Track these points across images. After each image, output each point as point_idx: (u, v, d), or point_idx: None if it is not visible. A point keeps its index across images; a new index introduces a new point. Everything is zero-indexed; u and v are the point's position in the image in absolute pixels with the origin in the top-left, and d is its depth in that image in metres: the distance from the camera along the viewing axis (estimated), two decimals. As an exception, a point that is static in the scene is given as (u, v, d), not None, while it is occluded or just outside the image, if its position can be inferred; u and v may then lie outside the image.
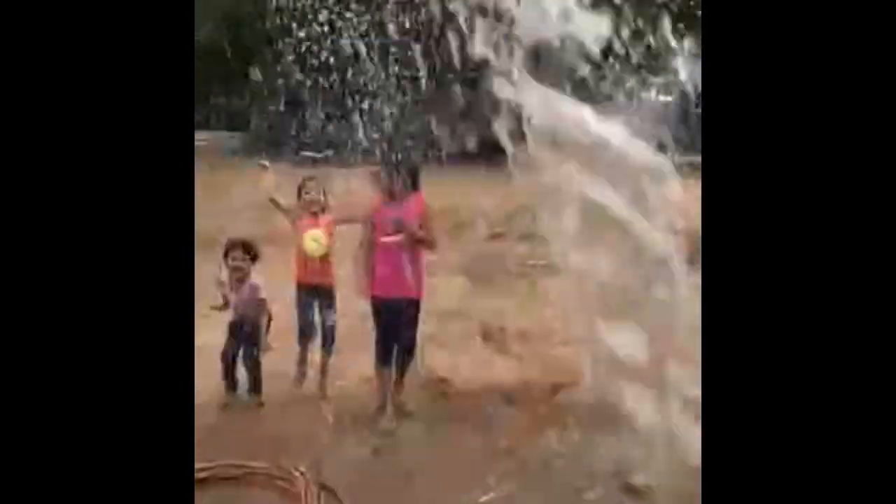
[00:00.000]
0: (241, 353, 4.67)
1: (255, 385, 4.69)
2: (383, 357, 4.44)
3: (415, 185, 4.41)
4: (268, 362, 4.73)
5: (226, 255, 4.62)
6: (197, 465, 3.80)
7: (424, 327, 4.71)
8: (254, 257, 4.64)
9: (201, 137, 17.20)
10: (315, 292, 4.72)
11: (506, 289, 7.28)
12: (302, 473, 3.70)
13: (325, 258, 4.68)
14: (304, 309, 4.74)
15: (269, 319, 4.73)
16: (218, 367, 4.66)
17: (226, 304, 4.68)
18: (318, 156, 15.32)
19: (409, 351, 4.49)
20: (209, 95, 18.65)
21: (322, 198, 4.75)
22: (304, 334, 4.79)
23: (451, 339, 5.75)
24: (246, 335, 4.66)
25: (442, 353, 5.37)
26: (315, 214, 4.70)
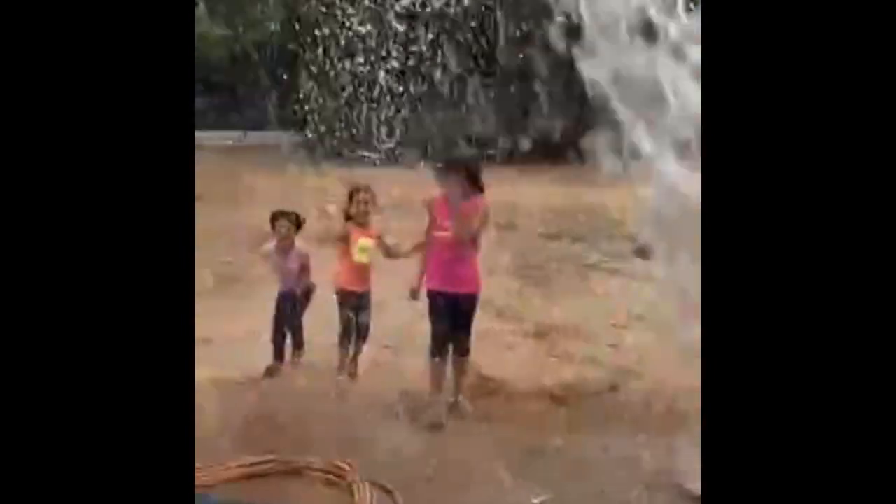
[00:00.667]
0: (287, 317, 5.03)
1: (298, 343, 5.08)
2: (435, 349, 4.48)
3: (478, 185, 4.43)
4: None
5: (273, 226, 4.94)
6: (250, 460, 3.93)
7: (476, 325, 4.71)
8: (298, 225, 4.96)
9: (257, 136, 17.52)
10: (355, 296, 4.89)
11: (560, 288, 7.22)
12: (352, 467, 3.72)
13: (368, 265, 4.85)
14: (345, 313, 4.91)
15: (312, 289, 5.08)
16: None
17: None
18: (374, 155, 15.39)
19: (465, 347, 4.53)
20: (263, 95, 18.92)
21: (371, 208, 4.89)
22: (346, 335, 4.95)
23: (503, 338, 5.73)
24: (292, 301, 5.00)
25: (493, 351, 5.35)
26: (364, 224, 4.82)
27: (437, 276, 4.46)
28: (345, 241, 4.83)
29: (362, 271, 4.83)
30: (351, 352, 4.96)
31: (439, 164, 4.66)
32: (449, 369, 4.54)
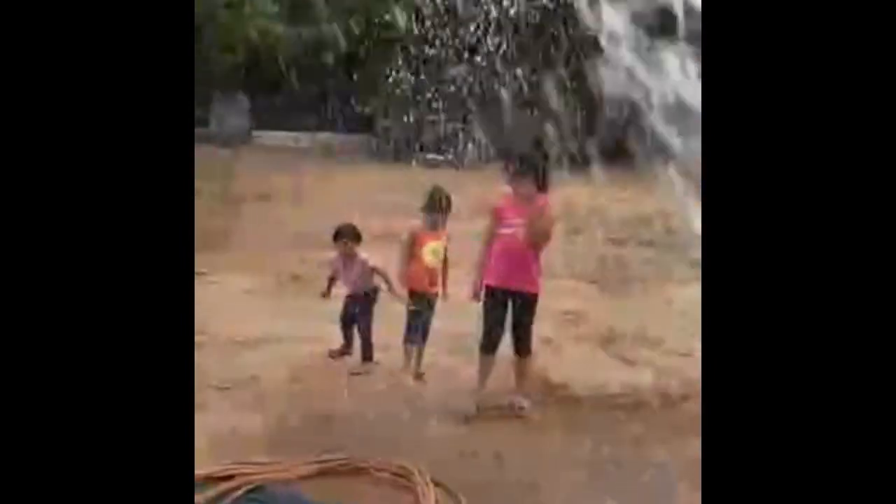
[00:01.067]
0: (356, 322, 5.29)
1: (367, 352, 5.27)
2: (486, 346, 4.49)
3: (544, 187, 4.42)
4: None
5: (336, 239, 5.23)
6: (315, 458, 3.96)
7: (540, 330, 4.66)
8: (358, 239, 5.25)
9: (324, 138, 17.70)
10: (423, 298, 4.94)
11: (627, 294, 7.11)
12: (420, 472, 3.72)
13: (437, 268, 4.93)
14: (414, 313, 4.96)
15: (377, 290, 5.25)
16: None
17: (330, 288, 5.41)
18: (441, 158, 15.44)
19: (525, 347, 4.52)
20: (331, 98, 19.15)
21: (445, 213, 4.93)
22: (411, 336, 5.00)
23: (569, 344, 5.66)
24: (360, 307, 5.25)
25: (558, 357, 5.29)
26: (436, 227, 4.88)
27: (496, 273, 4.44)
28: (415, 242, 4.89)
29: (431, 273, 4.89)
30: (415, 352, 5.01)
31: (510, 164, 4.61)
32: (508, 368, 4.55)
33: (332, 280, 5.41)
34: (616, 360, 5.43)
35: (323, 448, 3.88)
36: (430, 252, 4.82)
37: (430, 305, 4.94)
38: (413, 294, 4.93)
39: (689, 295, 6.31)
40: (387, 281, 5.15)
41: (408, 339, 4.97)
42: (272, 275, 7.50)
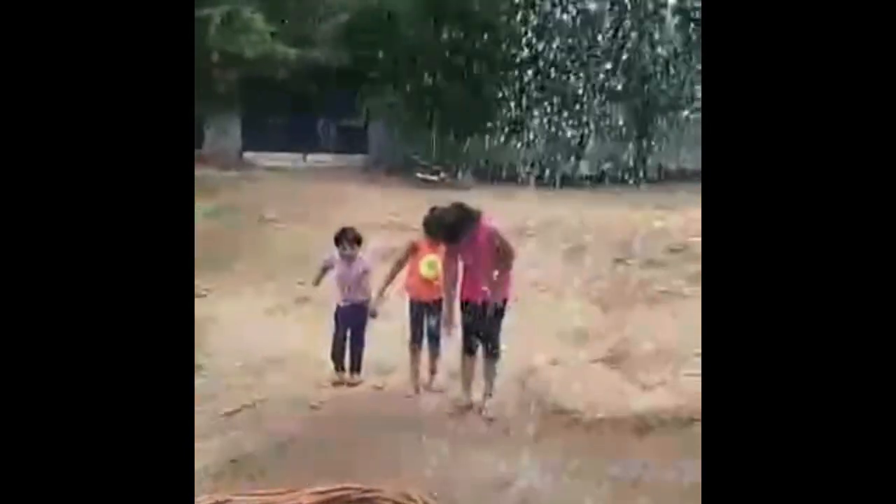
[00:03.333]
0: (348, 335, 5.48)
1: (357, 364, 5.50)
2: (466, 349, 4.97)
3: (455, 238, 4.78)
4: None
5: (337, 243, 5.47)
6: (323, 488, 3.85)
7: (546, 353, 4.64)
8: (358, 242, 5.49)
9: (323, 159, 17.67)
10: (425, 307, 5.15)
11: (631, 314, 7.03)
12: (425, 500, 3.64)
13: (436, 279, 5.10)
14: (414, 320, 5.22)
15: (368, 300, 5.45)
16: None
17: (321, 276, 5.68)
18: (433, 178, 15.42)
19: (491, 349, 4.94)
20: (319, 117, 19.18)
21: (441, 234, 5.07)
22: (415, 341, 5.24)
23: (576, 365, 5.58)
24: (353, 319, 5.45)
25: (566, 378, 5.21)
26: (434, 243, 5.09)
27: (464, 289, 4.91)
28: (413, 253, 5.13)
29: (429, 283, 5.07)
30: (424, 358, 5.21)
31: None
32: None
33: (324, 270, 5.65)
34: (626, 382, 5.35)
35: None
36: (427, 265, 5.02)
37: (432, 312, 5.08)
38: (412, 303, 5.18)
39: (693, 312, 6.24)
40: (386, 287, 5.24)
41: (413, 343, 5.18)
42: (271, 295, 7.47)
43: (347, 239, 5.44)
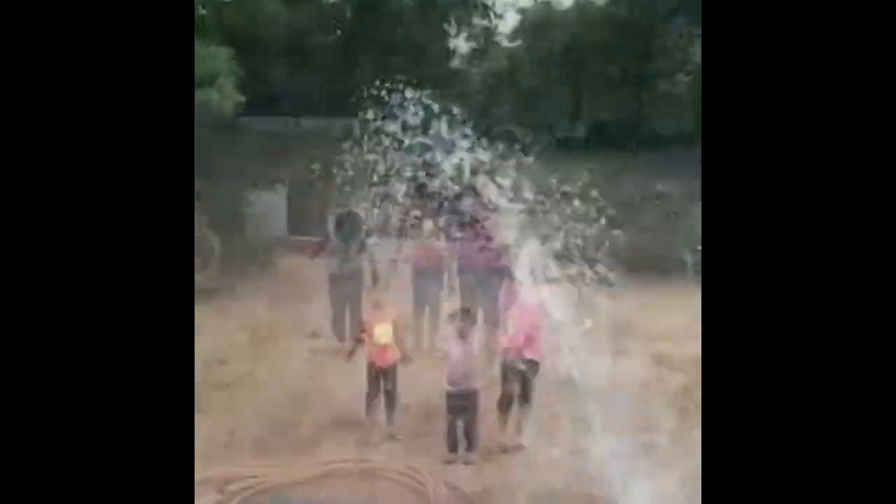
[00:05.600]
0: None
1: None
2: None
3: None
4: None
5: (338, 226, 5.74)
6: (327, 459, 3.87)
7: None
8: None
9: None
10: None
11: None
12: (431, 473, 3.67)
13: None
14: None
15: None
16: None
17: (320, 250, 5.96)
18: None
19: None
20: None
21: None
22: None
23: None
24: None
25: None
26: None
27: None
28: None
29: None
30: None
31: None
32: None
33: (322, 242, 5.91)
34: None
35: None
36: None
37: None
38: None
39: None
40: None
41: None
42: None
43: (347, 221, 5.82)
